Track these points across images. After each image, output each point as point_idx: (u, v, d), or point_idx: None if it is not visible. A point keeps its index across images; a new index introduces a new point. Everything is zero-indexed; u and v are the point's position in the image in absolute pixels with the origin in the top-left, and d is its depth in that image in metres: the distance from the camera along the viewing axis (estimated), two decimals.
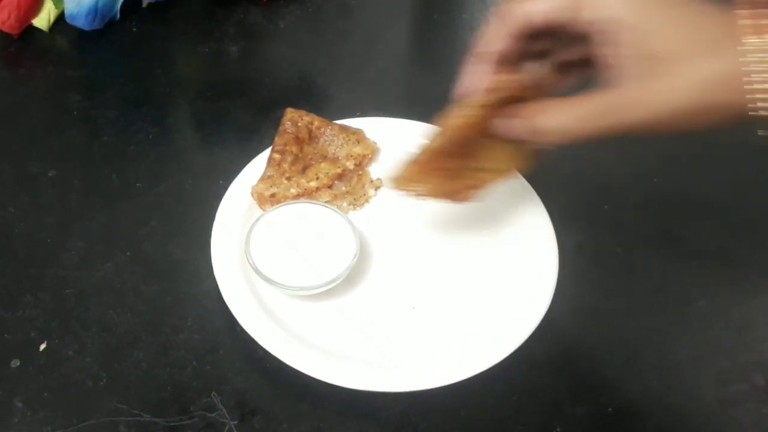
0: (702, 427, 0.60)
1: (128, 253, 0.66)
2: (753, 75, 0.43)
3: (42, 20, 0.86)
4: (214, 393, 0.58)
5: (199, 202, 0.69)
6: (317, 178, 0.69)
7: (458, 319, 0.63)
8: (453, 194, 0.61)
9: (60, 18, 0.87)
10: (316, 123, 0.73)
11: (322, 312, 0.63)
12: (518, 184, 0.71)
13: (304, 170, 0.70)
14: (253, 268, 0.61)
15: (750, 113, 0.44)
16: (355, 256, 0.62)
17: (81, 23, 0.85)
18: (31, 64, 0.85)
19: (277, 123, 0.72)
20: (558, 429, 0.58)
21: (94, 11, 0.85)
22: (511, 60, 0.54)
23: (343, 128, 0.73)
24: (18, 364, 0.59)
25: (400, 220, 0.70)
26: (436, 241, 0.69)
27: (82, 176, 0.73)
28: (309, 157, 0.72)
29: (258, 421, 0.57)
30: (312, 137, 0.73)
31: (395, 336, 0.62)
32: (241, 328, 0.59)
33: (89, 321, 0.62)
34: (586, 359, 0.63)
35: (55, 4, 0.86)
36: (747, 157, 0.79)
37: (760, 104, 0.44)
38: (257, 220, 0.64)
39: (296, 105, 0.74)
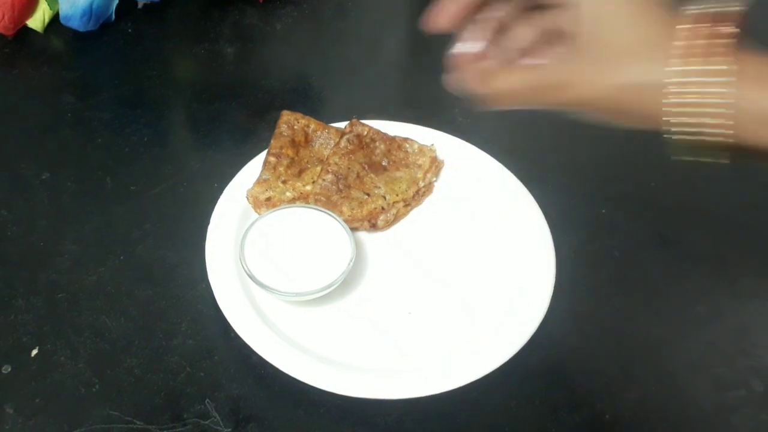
0: None
1: (122, 257, 0.65)
2: (670, 96, 0.45)
3: (36, 21, 0.85)
4: (208, 400, 0.57)
5: (193, 206, 0.68)
6: (313, 182, 0.68)
7: (455, 324, 0.62)
8: (368, 218, 0.67)
9: (55, 19, 0.86)
10: (312, 126, 0.72)
11: (317, 317, 0.62)
12: (515, 188, 0.70)
13: (300, 174, 0.69)
14: (247, 273, 0.60)
15: (663, 129, 0.46)
16: (350, 261, 0.61)
17: (76, 24, 0.84)
18: (25, 66, 0.83)
19: (273, 125, 0.71)
20: None
21: (88, 12, 0.83)
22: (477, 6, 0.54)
23: (340, 131, 0.72)
24: (9, 370, 0.58)
25: (395, 225, 0.69)
26: (432, 245, 0.68)
27: (75, 179, 0.71)
28: (305, 160, 0.71)
29: (252, 429, 0.56)
30: (308, 140, 0.72)
31: (391, 342, 0.61)
32: (236, 334, 0.58)
33: (82, 326, 0.60)
34: (584, 365, 0.62)
35: (49, 5, 0.84)
36: (744, 163, 0.79)
37: (672, 125, 0.45)
38: (252, 224, 0.63)
39: (292, 107, 0.73)
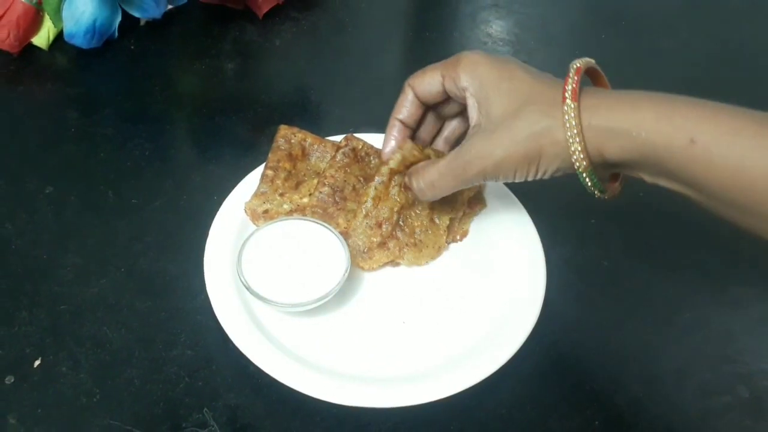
0: None
1: (123, 270, 0.65)
2: (567, 131, 0.51)
3: (41, 39, 0.85)
4: (206, 409, 0.56)
5: (193, 218, 0.68)
6: (310, 194, 0.68)
7: (448, 333, 0.62)
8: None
9: (59, 37, 0.86)
10: (309, 140, 0.72)
11: (313, 328, 0.61)
12: (508, 199, 0.69)
13: (297, 186, 0.69)
14: (244, 285, 0.59)
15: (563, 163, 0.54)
16: (346, 271, 0.61)
17: (79, 42, 0.84)
18: (30, 82, 0.83)
19: (272, 139, 0.71)
20: None
21: (92, 30, 0.83)
22: (416, 123, 0.65)
23: (336, 145, 0.71)
24: (12, 380, 0.57)
25: None
26: None
27: (78, 193, 0.71)
28: (302, 173, 0.70)
29: None
30: (305, 154, 0.71)
31: (386, 351, 0.60)
32: (234, 345, 0.57)
33: (83, 337, 0.60)
34: (573, 372, 0.61)
35: (54, 23, 0.84)
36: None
37: (575, 158, 0.52)
38: (249, 236, 0.63)
39: (291, 121, 0.72)
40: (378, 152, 0.71)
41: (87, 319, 0.61)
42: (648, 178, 0.53)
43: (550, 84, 0.54)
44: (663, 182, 0.52)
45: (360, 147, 0.70)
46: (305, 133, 0.72)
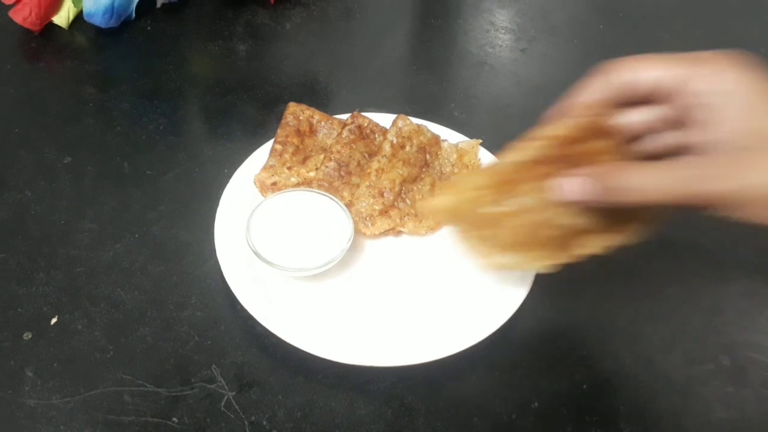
0: (670, 404, 0.59)
1: (137, 236, 0.66)
2: None
3: (61, 18, 0.86)
4: (214, 366, 0.58)
5: (205, 189, 0.69)
6: (316, 169, 0.69)
7: (444, 299, 0.63)
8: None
9: (78, 16, 0.87)
10: (316, 117, 0.73)
11: (317, 291, 0.62)
12: None
13: (304, 161, 0.70)
14: (253, 251, 0.60)
15: None
16: (349, 239, 0.62)
17: (98, 21, 0.85)
18: (50, 59, 0.84)
19: (280, 117, 0.72)
20: (535, 403, 0.58)
21: (110, 10, 0.84)
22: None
23: (342, 122, 0.72)
24: (30, 336, 0.58)
25: None
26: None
27: (95, 163, 0.72)
28: (309, 148, 0.71)
29: (255, 393, 0.56)
30: (312, 130, 0.72)
31: (385, 314, 0.61)
32: (241, 306, 0.59)
33: (98, 298, 0.61)
34: (564, 339, 0.62)
35: (74, 2, 0.85)
36: None
37: None
38: (258, 205, 0.64)
39: (299, 101, 0.73)
40: (382, 130, 0.72)
41: (102, 281, 0.62)
42: None
43: None
44: None
45: (366, 125, 0.71)
46: (313, 110, 0.73)
